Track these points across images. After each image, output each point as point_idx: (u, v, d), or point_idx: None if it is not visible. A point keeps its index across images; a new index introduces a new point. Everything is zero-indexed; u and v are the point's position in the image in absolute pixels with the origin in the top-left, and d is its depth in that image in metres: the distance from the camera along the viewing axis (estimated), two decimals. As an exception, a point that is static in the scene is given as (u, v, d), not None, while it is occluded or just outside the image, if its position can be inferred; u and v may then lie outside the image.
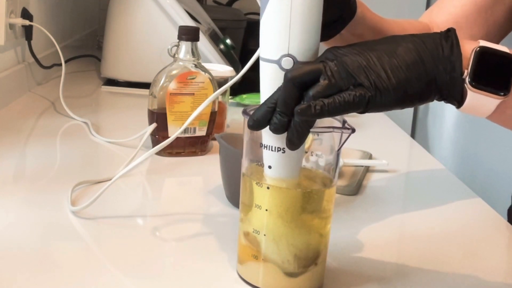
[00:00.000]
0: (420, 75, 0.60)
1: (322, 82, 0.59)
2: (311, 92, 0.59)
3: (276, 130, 0.60)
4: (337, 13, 0.77)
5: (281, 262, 0.64)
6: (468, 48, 0.61)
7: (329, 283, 0.68)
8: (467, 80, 0.60)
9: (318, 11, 0.61)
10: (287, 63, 0.61)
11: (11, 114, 1.20)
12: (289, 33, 0.60)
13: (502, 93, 0.60)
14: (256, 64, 0.66)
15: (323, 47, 0.66)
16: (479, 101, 0.61)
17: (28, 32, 1.34)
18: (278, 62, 0.61)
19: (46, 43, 1.48)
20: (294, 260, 0.64)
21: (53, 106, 1.29)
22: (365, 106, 0.60)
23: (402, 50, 0.60)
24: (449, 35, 0.61)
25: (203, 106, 0.75)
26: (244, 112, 0.64)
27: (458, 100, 0.62)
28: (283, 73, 0.60)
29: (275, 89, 0.61)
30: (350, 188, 0.94)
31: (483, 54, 0.61)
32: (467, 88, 0.60)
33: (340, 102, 0.59)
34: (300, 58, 0.61)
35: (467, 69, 0.60)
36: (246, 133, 0.65)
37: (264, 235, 0.64)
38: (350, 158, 1.04)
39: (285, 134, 0.61)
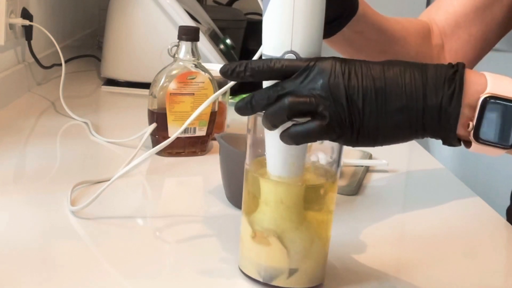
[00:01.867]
0: (403, 123, 0.58)
1: (304, 98, 0.58)
2: (287, 101, 0.58)
3: (239, 110, 0.62)
4: (338, 10, 0.77)
5: (282, 257, 0.64)
6: (475, 91, 0.58)
7: (329, 282, 0.68)
8: (471, 133, 0.58)
9: (321, 8, 0.61)
10: None
11: (11, 114, 1.20)
12: (292, 29, 0.60)
13: (509, 145, 0.58)
14: None
15: (324, 44, 0.66)
16: (485, 150, 0.59)
17: (28, 32, 1.34)
18: None
19: (46, 43, 1.48)
20: (296, 255, 0.64)
21: (53, 106, 1.29)
22: (334, 139, 0.60)
23: (394, 90, 0.58)
24: (454, 78, 0.58)
25: (204, 106, 0.75)
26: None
27: (455, 145, 0.60)
28: None
29: None
30: (350, 188, 0.94)
31: (489, 106, 0.58)
32: (471, 140, 0.59)
33: (308, 132, 0.59)
34: (303, 54, 0.61)
35: (472, 121, 0.58)
36: (250, 128, 0.66)
37: (267, 229, 0.64)
38: (350, 158, 1.04)
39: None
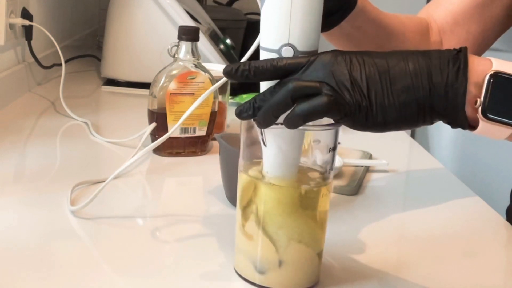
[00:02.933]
0: (410, 102, 0.58)
1: (308, 82, 0.58)
2: (291, 85, 0.58)
3: (241, 114, 0.61)
4: (337, 3, 0.77)
5: (277, 258, 0.64)
6: (481, 70, 0.59)
7: (329, 282, 0.68)
8: (479, 110, 0.58)
9: (319, 1, 0.61)
10: (287, 53, 0.61)
11: (11, 114, 1.20)
12: (289, 22, 0.60)
13: None
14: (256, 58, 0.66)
15: (322, 39, 0.66)
16: (492, 130, 0.59)
17: (28, 32, 1.34)
18: (278, 52, 0.61)
19: (46, 43, 1.48)
20: (290, 256, 0.64)
21: (53, 106, 1.29)
22: (342, 116, 0.59)
23: (398, 71, 0.59)
24: (459, 57, 0.59)
25: (202, 99, 0.75)
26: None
27: (463, 126, 0.60)
28: None
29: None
30: (350, 188, 0.94)
31: (496, 82, 0.58)
32: (478, 117, 0.58)
33: (315, 106, 0.58)
34: (300, 47, 0.61)
35: (480, 98, 0.58)
36: (243, 132, 0.66)
37: (261, 231, 0.64)
38: (350, 158, 1.04)
39: (283, 135, 0.61)
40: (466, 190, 1.01)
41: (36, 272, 0.65)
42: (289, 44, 0.61)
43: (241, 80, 0.61)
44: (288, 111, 0.59)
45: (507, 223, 0.89)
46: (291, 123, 0.59)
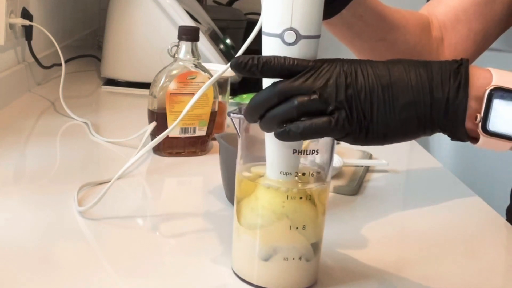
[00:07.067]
0: (412, 118, 0.59)
1: (312, 96, 0.58)
2: (296, 101, 0.58)
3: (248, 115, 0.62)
4: None
5: (275, 256, 0.64)
6: (481, 84, 0.59)
7: (329, 282, 0.68)
8: (479, 125, 0.59)
9: None
10: (290, 37, 0.61)
11: (11, 114, 1.20)
12: (292, 6, 0.60)
13: None
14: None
15: (325, 31, 0.66)
16: (493, 143, 0.59)
17: (28, 32, 1.34)
18: (280, 36, 0.61)
19: (46, 43, 1.48)
20: (288, 257, 0.64)
21: (53, 106, 1.29)
22: (343, 136, 0.59)
23: (400, 86, 0.59)
24: (460, 71, 0.59)
25: (202, 91, 0.75)
26: (240, 111, 0.64)
27: (463, 140, 0.60)
28: (285, 47, 0.60)
29: None
30: (350, 188, 0.94)
31: (496, 97, 0.58)
32: (479, 132, 0.59)
33: (316, 127, 0.58)
34: (302, 32, 0.61)
35: (480, 113, 0.58)
36: (241, 132, 0.66)
37: (259, 233, 0.64)
38: (350, 158, 1.04)
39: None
40: (466, 190, 1.01)
41: (42, 272, 0.65)
42: (291, 29, 0.60)
43: (247, 74, 0.61)
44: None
45: (507, 223, 0.89)
46: (289, 137, 0.60)
